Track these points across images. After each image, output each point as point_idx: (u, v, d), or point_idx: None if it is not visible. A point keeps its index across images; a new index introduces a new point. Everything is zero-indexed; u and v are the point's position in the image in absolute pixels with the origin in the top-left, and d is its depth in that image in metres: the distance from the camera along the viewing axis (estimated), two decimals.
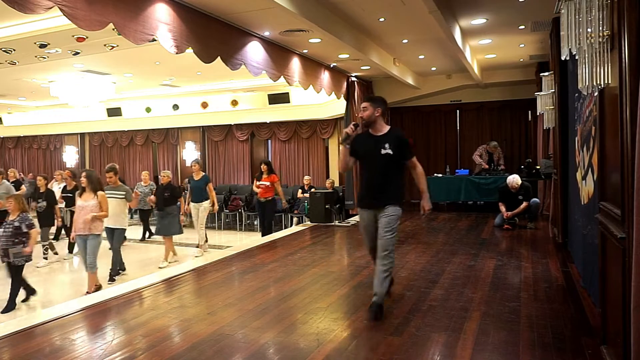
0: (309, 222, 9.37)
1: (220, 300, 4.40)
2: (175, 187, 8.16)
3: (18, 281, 5.62)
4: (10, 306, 5.54)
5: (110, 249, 6.97)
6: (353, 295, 4.49)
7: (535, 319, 3.70)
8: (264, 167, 8.79)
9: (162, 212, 7.73)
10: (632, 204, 2.18)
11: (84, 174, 5.88)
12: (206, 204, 8.45)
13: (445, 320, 3.70)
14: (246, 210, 11.86)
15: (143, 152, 16.31)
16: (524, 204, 8.03)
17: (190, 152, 15.23)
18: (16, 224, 5.58)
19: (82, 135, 17.27)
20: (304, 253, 6.45)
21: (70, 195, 8.42)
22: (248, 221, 11.92)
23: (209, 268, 5.69)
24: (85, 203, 5.85)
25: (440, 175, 10.92)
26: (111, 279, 6.67)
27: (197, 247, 8.71)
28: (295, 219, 10.90)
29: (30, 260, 5.79)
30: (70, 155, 17.44)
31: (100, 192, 5.92)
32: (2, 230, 5.62)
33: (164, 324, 3.82)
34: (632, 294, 2.18)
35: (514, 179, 8.10)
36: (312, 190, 10.12)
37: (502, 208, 8.19)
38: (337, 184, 12.25)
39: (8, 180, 9.03)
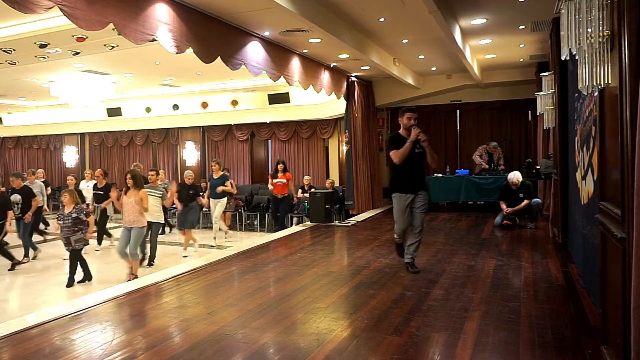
0: (309, 222, 9.37)
1: (220, 300, 4.40)
2: (199, 186, 9.11)
3: (78, 261, 6.43)
4: (71, 282, 6.35)
5: (148, 240, 7.51)
6: (353, 295, 4.49)
7: (535, 319, 3.70)
8: (280, 166, 9.61)
9: (186, 208, 8.36)
10: (632, 204, 2.17)
11: (129, 175, 6.50)
12: (223, 200, 9.20)
13: (445, 320, 3.70)
14: (246, 210, 11.86)
15: (143, 152, 16.31)
16: (525, 201, 8.03)
17: (190, 152, 15.23)
18: (74, 214, 6.27)
19: (82, 135, 17.28)
20: (304, 253, 6.45)
21: (101, 192, 8.69)
22: (248, 221, 11.91)
23: (209, 268, 5.69)
24: (130, 199, 6.40)
25: (440, 175, 10.92)
26: (150, 264, 7.41)
27: (214, 238, 9.39)
28: (295, 219, 10.89)
29: (88, 244, 6.72)
30: (70, 155, 17.45)
31: (142, 190, 6.49)
32: (62, 222, 6.31)
33: (164, 324, 3.82)
34: (632, 294, 2.18)
35: (515, 176, 8.10)
36: (312, 190, 10.12)
37: (503, 206, 8.19)
38: (337, 184, 12.25)
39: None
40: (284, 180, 9.50)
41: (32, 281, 6.87)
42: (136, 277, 6.12)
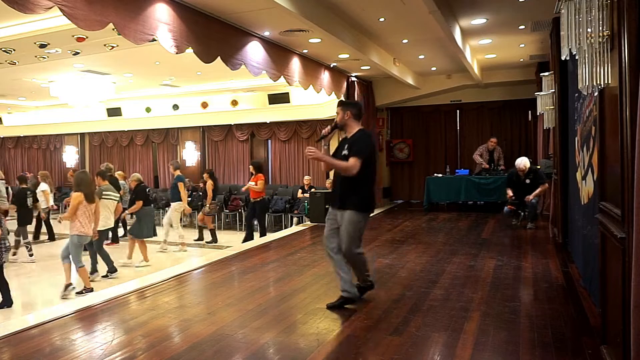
0: (309, 222, 9.37)
1: (220, 300, 4.40)
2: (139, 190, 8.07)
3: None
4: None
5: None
6: None
7: (535, 319, 3.70)
8: (251, 168, 9.13)
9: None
10: (632, 204, 2.17)
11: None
12: (175, 204, 8.81)
13: (445, 320, 3.70)
14: (246, 210, 11.84)
15: (143, 152, 16.30)
16: (541, 187, 7.77)
17: (190, 152, 15.23)
18: None
19: (82, 135, 17.26)
20: (304, 253, 6.45)
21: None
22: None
23: (209, 268, 5.69)
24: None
25: (440, 175, 10.92)
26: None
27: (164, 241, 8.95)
28: (295, 219, 10.89)
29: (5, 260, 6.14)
30: (70, 155, 17.44)
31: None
32: None
33: (164, 324, 3.82)
34: (632, 293, 2.18)
35: (522, 161, 7.90)
36: (312, 190, 10.11)
37: (510, 192, 8.08)
38: None
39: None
40: (253, 184, 8.79)
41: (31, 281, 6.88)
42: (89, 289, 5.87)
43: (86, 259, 6.58)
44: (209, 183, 9.51)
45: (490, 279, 4.88)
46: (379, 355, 3.09)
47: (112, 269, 6.80)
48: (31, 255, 8.12)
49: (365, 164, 3.94)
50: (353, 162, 3.91)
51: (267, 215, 9.78)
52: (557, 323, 3.62)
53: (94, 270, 6.81)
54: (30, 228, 9.04)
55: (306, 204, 10.00)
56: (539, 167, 8.22)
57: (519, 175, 7.99)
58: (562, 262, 5.55)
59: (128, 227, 9.05)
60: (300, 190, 11.54)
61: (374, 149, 4.25)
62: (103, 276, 6.74)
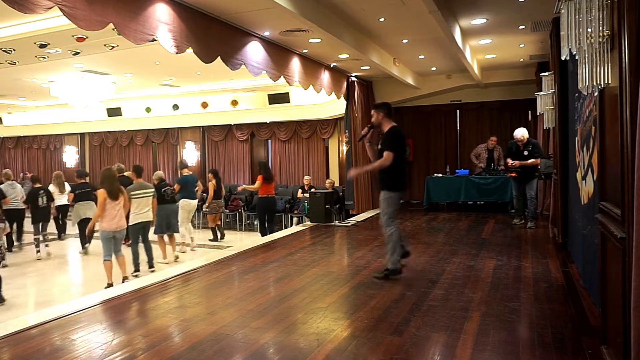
0: (309, 222, 9.37)
1: (220, 300, 4.40)
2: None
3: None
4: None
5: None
6: (353, 295, 4.49)
7: (535, 319, 3.70)
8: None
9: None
10: (632, 204, 2.17)
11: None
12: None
13: (445, 320, 3.70)
14: (246, 210, 11.86)
15: (143, 152, 16.32)
16: (534, 160, 7.74)
17: (190, 152, 15.23)
18: None
19: (82, 135, 17.28)
20: (304, 253, 6.45)
21: None
22: (248, 221, 11.91)
23: (208, 268, 5.69)
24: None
25: (440, 175, 10.92)
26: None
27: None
28: (295, 219, 10.90)
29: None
30: (70, 155, 17.45)
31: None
32: None
33: (164, 324, 3.82)
34: (632, 294, 2.18)
35: (520, 131, 7.90)
36: (312, 190, 10.12)
37: (509, 161, 8.05)
38: (337, 184, 12.25)
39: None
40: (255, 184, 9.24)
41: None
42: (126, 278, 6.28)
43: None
44: (212, 183, 9.71)
45: (490, 279, 4.88)
46: (379, 355, 3.09)
47: (137, 269, 7.02)
48: (38, 252, 8.56)
49: (396, 155, 4.85)
50: (386, 156, 4.87)
51: (268, 216, 9.78)
52: (557, 323, 3.62)
53: (151, 263, 7.31)
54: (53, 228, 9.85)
55: (306, 204, 10.01)
56: (536, 141, 8.19)
57: (518, 145, 7.98)
58: (562, 262, 5.55)
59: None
60: (300, 190, 11.55)
61: (403, 141, 5.09)
62: (131, 276, 6.77)
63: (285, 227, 10.37)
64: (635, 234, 2.16)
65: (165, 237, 8.07)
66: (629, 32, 2.23)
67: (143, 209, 7.10)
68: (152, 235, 7.49)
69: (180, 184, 8.84)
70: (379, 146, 5.01)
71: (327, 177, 12.94)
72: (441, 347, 3.22)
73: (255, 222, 11.75)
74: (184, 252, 8.65)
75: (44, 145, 18.19)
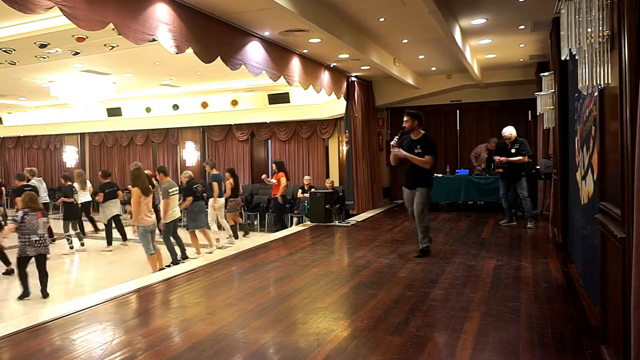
0: (309, 222, 9.37)
1: (220, 300, 4.40)
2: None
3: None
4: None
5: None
6: (353, 295, 4.49)
7: (535, 319, 3.70)
8: (273, 166, 10.30)
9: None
10: (632, 204, 2.17)
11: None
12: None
13: (445, 320, 3.70)
14: (246, 210, 11.85)
15: (143, 152, 16.31)
16: (521, 157, 7.88)
17: (190, 152, 15.23)
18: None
19: (82, 135, 17.27)
20: (304, 253, 6.45)
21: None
22: (248, 221, 11.91)
23: (209, 268, 5.69)
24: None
25: (440, 175, 10.90)
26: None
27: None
28: (295, 219, 10.89)
29: None
30: (70, 155, 17.44)
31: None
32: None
33: (164, 324, 3.82)
34: (632, 294, 2.18)
35: (508, 130, 8.07)
36: (312, 190, 10.12)
37: (497, 158, 8.22)
38: (337, 184, 12.25)
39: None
40: (274, 181, 10.03)
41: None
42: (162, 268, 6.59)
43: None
44: (229, 181, 9.89)
45: (490, 279, 4.88)
46: (379, 355, 3.09)
47: (175, 261, 7.30)
48: (71, 247, 9.00)
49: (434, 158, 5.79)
50: (429, 159, 5.78)
51: (279, 214, 10.41)
52: (557, 323, 3.62)
53: (184, 256, 7.63)
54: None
55: (306, 204, 10.01)
56: (523, 139, 8.31)
57: (506, 143, 8.10)
58: (562, 262, 5.55)
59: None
60: (300, 190, 11.54)
61: (436, 146, 5.97)
62: (167, 265, 7.01)
63: (285, 227, 10.37)
64: (635, 234, 2.16)
65: (198, 233, 8.44)
66: (629, 32, 2.23)
67: (175, 206, 7.58)
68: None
69: (217, 182, 9.23)
70: (418, 149, 5.78)
71: (327, 177, 12.93)
72: (441, 347, 3.22)
73: (256, 222, 11.77)
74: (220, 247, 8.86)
75: (44, 145, 18.18)
